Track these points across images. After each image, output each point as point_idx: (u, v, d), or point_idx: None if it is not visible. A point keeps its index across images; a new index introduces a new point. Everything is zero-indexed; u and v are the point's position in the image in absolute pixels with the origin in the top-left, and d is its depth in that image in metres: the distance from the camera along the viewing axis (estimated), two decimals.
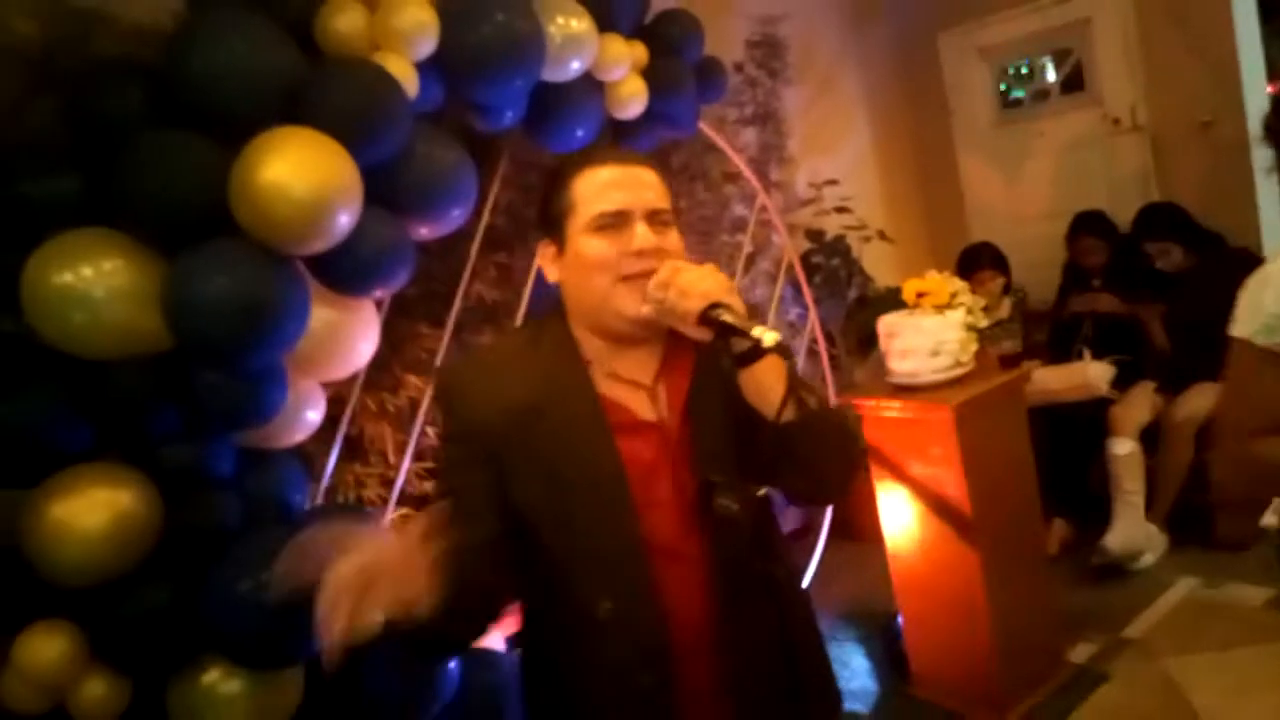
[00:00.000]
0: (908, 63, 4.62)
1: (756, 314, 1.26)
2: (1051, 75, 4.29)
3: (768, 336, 1.07)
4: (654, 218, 1.22)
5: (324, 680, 1.89)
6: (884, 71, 4.60)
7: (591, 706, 1.22)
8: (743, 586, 1.23)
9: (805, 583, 3.12)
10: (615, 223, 1.20)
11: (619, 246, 1.20)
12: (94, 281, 1.72)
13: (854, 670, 3.02)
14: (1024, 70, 4.40)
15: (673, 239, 1.24)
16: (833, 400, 3.24)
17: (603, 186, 1.22)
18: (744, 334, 1.08)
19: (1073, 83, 4.16)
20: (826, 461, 1.22)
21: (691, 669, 1.21)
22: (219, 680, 1.80)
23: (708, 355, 1.25)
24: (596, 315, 1.23)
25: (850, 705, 2.87)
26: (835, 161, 4.25)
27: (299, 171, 1.71)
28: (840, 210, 3.95)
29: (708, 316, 1.11)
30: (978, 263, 3.74)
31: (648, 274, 1.18)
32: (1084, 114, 4.06)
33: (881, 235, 3.97)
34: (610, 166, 1.24)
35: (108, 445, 1.79)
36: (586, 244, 1.21)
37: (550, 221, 1.26)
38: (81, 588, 1.72)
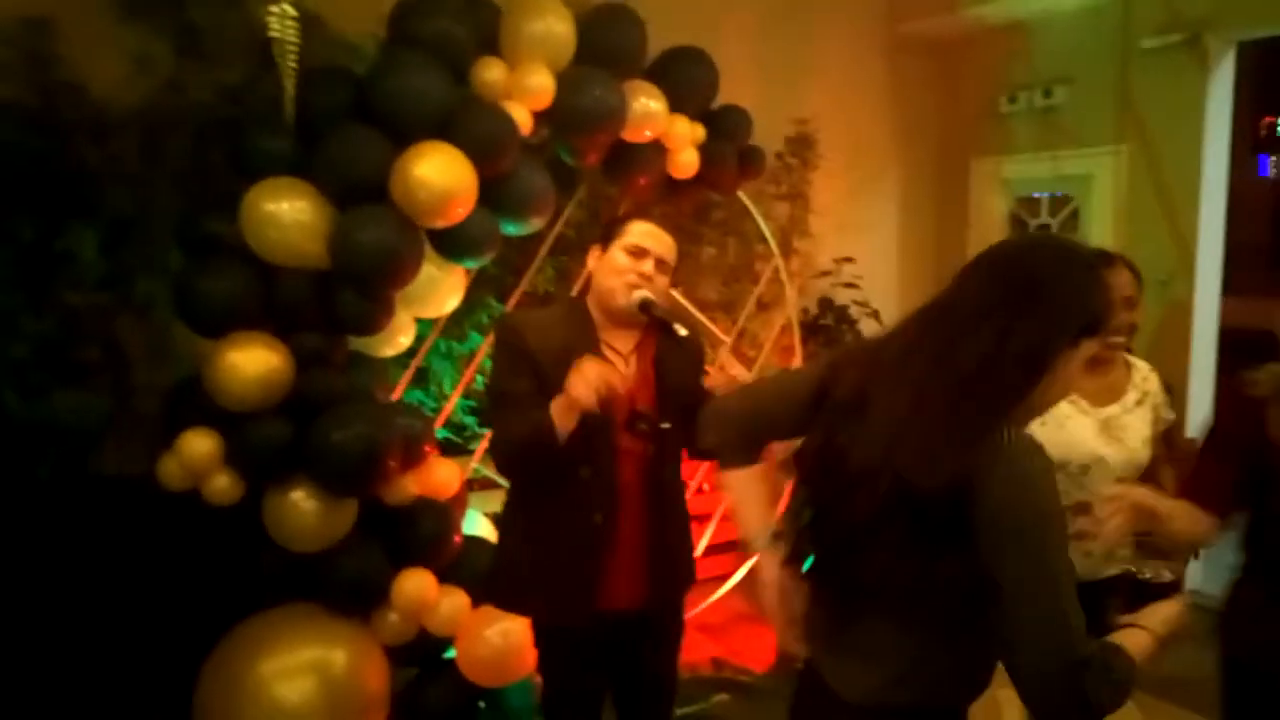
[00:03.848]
0: (941, 178, 5.40)
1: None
2: (1054, 213, 5.01)
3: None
4: (659, 263, 2.05)
5: (371, 514, 2.70)
6: (920, 180, 5.38)
7: (561, 535, 2.00)
8: (656, 476, 2.03)
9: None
10: (638, 253, 2.02)
11: (632, 265, 2.01)
12: (287, 212, 2.55)
13: (759, 641, 3.75)
14: (1034, 202, 5.12)
15: (663, 281, 2.07)
16: None
17: (642, 231, 2.06)
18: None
19: (1069, 224, 4.89)
20: None
21: (626, 515, 2.00)
22: (303, 498, 2.59)
23: (666, 345, 2.05)
24: (602, 297, 2.04)
25: (749, 667, 3.61)
26: (862, 243, 5.03)
27: (439, 173, 2.53)
28: (849, 285, 4.72)
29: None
30: None
31: (638, 286, 1.98)
32: None
33: (875, 315, 4.71)
34: (653, 224, 2.07)
35: (269, 322, 2.62)
36: (618, 255, 2.03)
37: (606, 234, 2.10)
38: (232, 412, 2.55)
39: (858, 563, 1.37)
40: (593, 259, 2.11)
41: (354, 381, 2.74)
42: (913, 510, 1.29)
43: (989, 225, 5.26)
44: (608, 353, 2.03)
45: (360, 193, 2.57)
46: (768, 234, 3.89)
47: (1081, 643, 1.23)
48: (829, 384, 1.47)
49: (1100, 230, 4.66)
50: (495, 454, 2.06)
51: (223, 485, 2.59)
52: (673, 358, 2.08)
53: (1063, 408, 2.15)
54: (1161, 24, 4.33)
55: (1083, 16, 4.68)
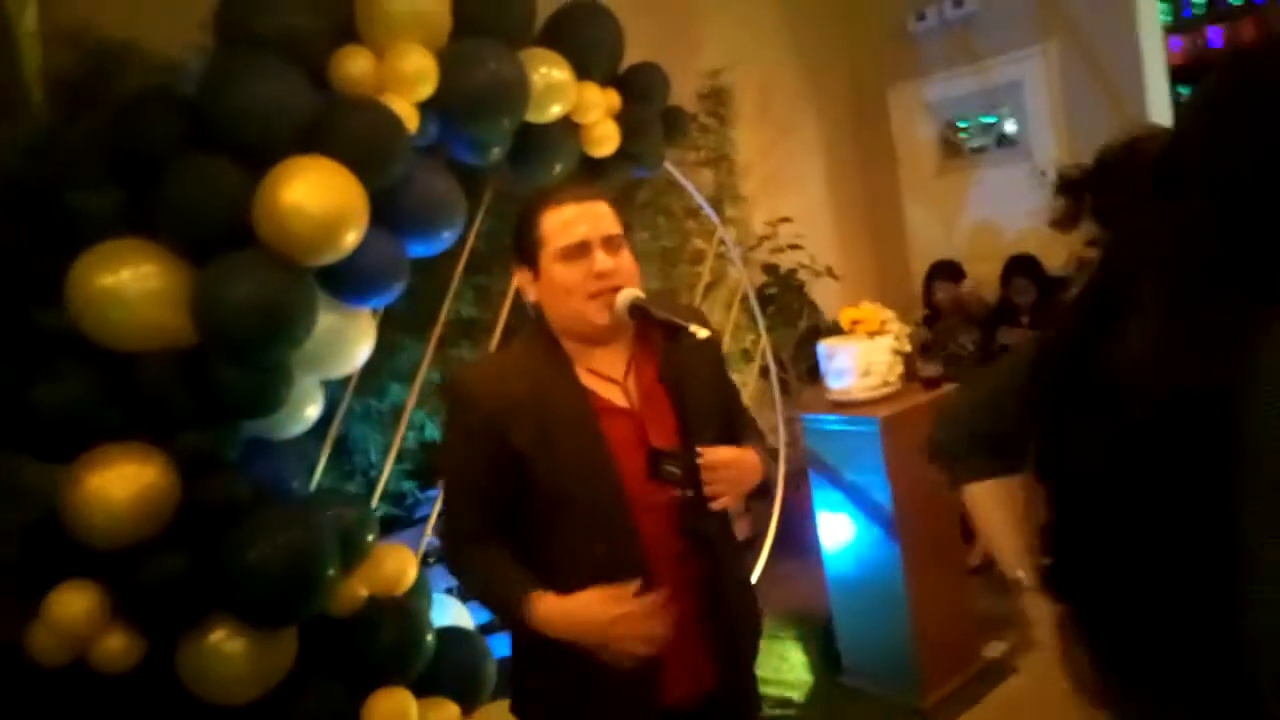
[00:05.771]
0: (860, 113, 5.01)
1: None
2: (988, 131, 4.67)
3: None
4: (608, 243, 1.52)
5: (317, 635, 2.14)
6: (839, 120, 4.99)
7: None
8: (696, 526, 1.51)
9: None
10: (578, 252, 1.50)
11: (583, 270, 1.49)
12: (130, 284, 1.97)
13: (791, 664, 3.30)
14: (964, 125, 4.77)
15: (625, 257, 1.55)
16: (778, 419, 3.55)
17: (565, 223, 1.52)
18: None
19: (1007, 138, 4.55)
20: None
21: (665, 585, 1.47)
22: (224, 639, 2.03)
23: (674, 354, 1.54)
24: (571, 325, 1.53)
25: (788, 694, 3.15)
26: (793, 201, 4.60)
27: (315, 194, 1.99)
28: (793, 247, 4.29)
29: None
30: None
31: (607, 290, 1.48)
32: (1016, 166, 4.45)
33: (829, 272, 4.30)
34: (570, 205, 1.53)
35: (134, 428, 2.03)
36: (557, 271, 1.51)
37: (525, 252, 1.55)
38: (108, 551, 1.96)
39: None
40: (525, 284, 1.58)
41: (259, 479, 2.17)
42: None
43: (919, 155, 4.90)
44: (593, 383, 1.53)
45: (219, 239, 2.00)
46: (704, 203, 3.42)
47: None
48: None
49: (1044, 134, 4.32)
50: (445, 552, 1.61)
51: (115, 647, 1.99)
52: (686, 367, 1.54)
53: None
54: None
55: None
